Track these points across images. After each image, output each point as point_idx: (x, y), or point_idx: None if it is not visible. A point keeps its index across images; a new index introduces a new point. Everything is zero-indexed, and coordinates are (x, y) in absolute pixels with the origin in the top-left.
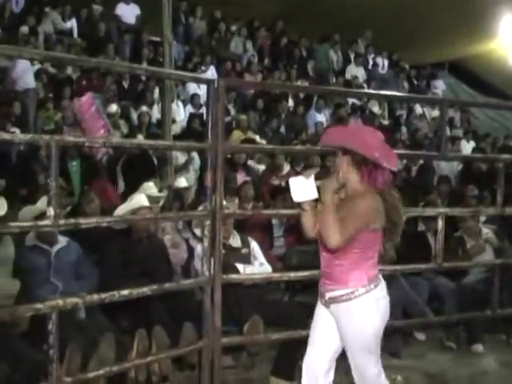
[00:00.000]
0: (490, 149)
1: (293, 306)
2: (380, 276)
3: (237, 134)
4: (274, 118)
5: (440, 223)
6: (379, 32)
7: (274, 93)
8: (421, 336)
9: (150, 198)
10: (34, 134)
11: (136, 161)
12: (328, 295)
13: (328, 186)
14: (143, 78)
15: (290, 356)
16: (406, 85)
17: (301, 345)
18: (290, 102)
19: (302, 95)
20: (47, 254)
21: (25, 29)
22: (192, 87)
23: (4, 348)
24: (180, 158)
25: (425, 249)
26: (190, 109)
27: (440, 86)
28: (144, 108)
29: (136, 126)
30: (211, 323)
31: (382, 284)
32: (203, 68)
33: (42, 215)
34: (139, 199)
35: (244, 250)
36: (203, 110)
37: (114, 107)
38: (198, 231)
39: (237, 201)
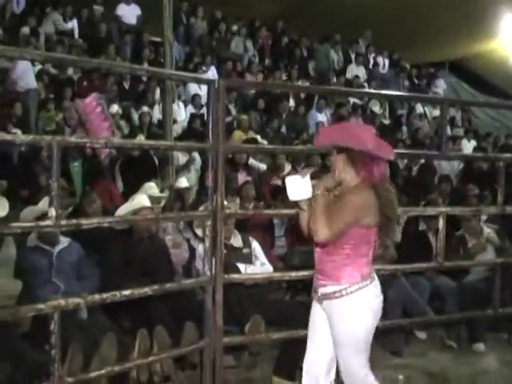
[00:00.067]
0: (491, 148)
1: (294, 305)
2: (374, 274)
3: (238, 134)
4: (275, 118)
5: (441, 222)
6: (380, 32)
7: (275, 93)
8: (422, 335)
9: (151, 198)
10: (36, 134)
11: (137, 161)
12: (320, 291)
13: (320, 183)
14: (144, 79)
15: (292, 355)
16: (406, 84)
17: (302, 344)
18: (291, 102)
19: (302, 95)
20: (49, 255)
21: (26, 29)
22: (193, 87)
23: (6, 348)
24: (181, 158)
25: (426, 248)
26: (190, 109)
27: (441, 86)
28: (145, 108)
29: (137, 127)
30: (213, 323)
31: (376, 282)
32: (204, 68)
33: (43, 216)
34: (141, 199)
35: (245, 250)
36: (204, 111)
37: (115, 108)
38: (199, 231)
39: (238, 201)
